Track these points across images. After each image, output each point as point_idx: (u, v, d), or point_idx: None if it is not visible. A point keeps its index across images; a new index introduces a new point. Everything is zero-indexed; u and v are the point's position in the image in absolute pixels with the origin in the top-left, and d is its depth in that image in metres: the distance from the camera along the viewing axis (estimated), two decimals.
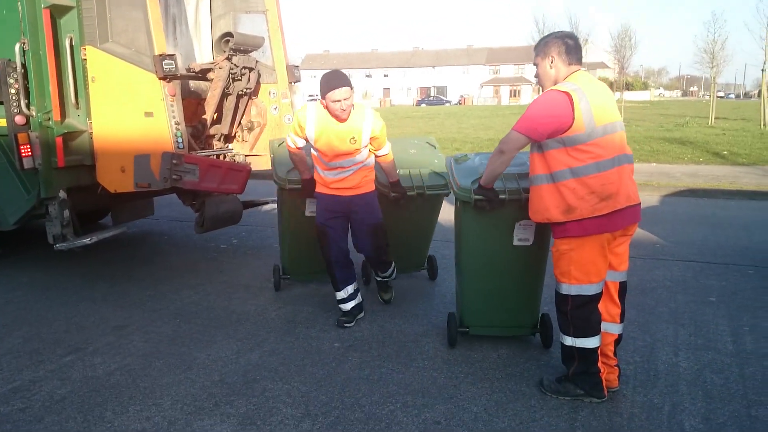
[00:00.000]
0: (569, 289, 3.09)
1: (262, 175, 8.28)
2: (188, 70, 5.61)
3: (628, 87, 64.32)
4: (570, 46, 3.07)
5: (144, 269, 5.85)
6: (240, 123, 5.98)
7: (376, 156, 4.19)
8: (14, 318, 4.56)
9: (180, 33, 6.00)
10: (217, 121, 5.80)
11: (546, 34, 3.21)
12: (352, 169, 4.04)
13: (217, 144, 5.82)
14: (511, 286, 3.76)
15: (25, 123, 4.67)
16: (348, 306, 4.31)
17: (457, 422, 3.02)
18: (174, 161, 4.61)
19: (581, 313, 3.09)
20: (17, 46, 4.53)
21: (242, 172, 4.50)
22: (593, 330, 3.11)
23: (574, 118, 2.89)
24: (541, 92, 3.18)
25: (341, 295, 4.30)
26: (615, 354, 3.28)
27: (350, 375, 3.55)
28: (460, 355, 3.78)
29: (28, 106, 4.67)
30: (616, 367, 3.28)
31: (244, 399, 3.30)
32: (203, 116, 5.66)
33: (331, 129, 3.92)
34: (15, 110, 4.62)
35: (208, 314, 4.59)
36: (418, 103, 69.47)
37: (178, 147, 4.69)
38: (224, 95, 5.61)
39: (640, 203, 3.11)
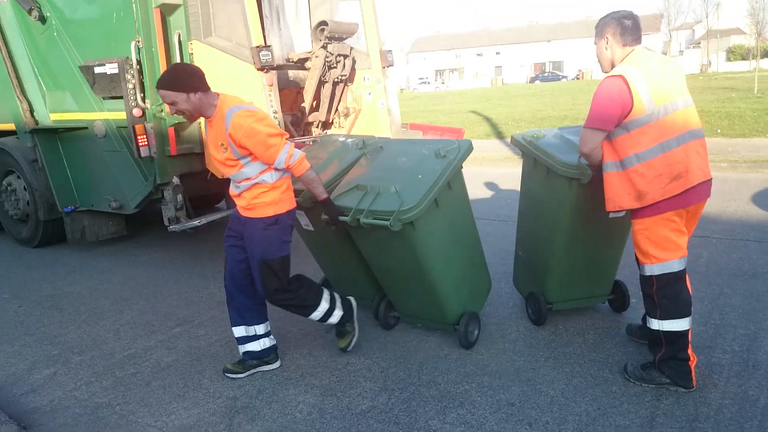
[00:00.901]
0: (652, 269, 3.01)
1: None
2: (287, 60, 5.88)
3: None
4: (626, 26, 3.02)
5: None
6: (337, 109, 6.18)
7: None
8: (134, 293, 5.07)
9: (283, 23, 6.27)
10: (316, 108, 6.03)
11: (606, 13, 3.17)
12: (241, 186, 3.22)
13: (315, 131, 6.07)
14: (598, 257, 3.78)
15: (141, 115, 5.12)
16: (243, 348, 3.54)
17: (531, 405, 3.01)
18: None
19: (667, 293, 2.99)
20: (133, 44, 4.96)
21: None
22: (683, 311, 2.99)
23: (633, 101, 2.85)
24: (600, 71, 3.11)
25: (234, 332, 3.55)
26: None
27: (429, 354, 3.63)
28: (542, 339, 3.73)
29: (143, 99, 5.10)
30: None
31: (328, 372, 3.48)
32: (302, 104, 5.91)
33: (208, 132, 3.28)
34: (132, 103, 5.07)
35: None
36: (532, 80, 67.24)
37: None
38: (321, 83, 5.82)
39: (710, 179, 2.98)
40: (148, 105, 5.12)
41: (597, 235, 3.65)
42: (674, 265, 2.96)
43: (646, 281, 3.06)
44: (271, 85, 4.96)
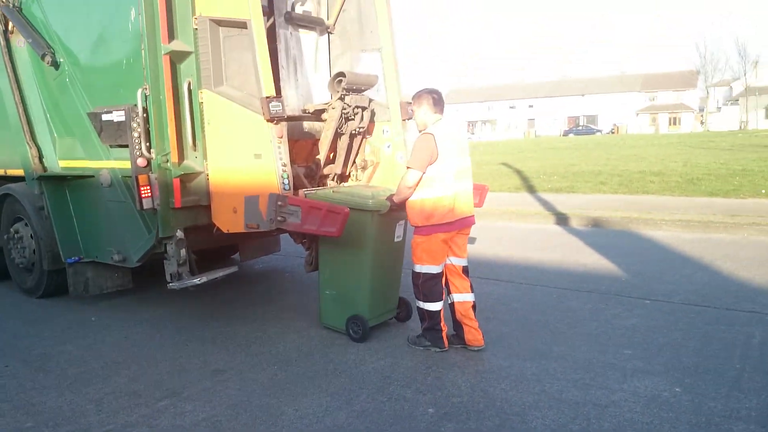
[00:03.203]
0: (421, 268, 4.37)
1: None
2: (304, 111, 5.61)
3: None
4: (435, 99, 4.39)
5: (257, 308, 5.84)
6: (354, 162, 5.86)
7: None
8: (127, 356, 4.69)
9: (301, 74, 6.04)
10: (332, 161, 5.72)
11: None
12: None
13: (331, 183, 5.74)
14: (389, 278, 4.92)
15: (146, 165, 4.84)
16: None
17: None
18: (279, 203, 4.54)
19: (428, 285, 4.36)
20: (139, 92, 4.72)
21: (340, 215, 4.31)
22: (436, 298, 4.38)
23: (438, 154, 4.18)
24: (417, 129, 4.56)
25: None
26: (475, 317, 4.45)
27: None
28: None
29: (149, 149, 4.84)
30: (479, 329, 4.44)
31: None
32: (317, 156, 5.60)
33: None
34: (137, 153, 4.81)
35: (306, 361, 4.41)
36: (566, 133, 66.91)
37: (284, 188, 4.62)
38: (338, 135, 5.53)
39: (473, 215, 4.49)
40: (153, 155, 4.85)
41: (387, 259, 4.82)
42: (434, 269, 4.36)
43: (416, 276, 4.40)
44: (281, 137, 4.65)
